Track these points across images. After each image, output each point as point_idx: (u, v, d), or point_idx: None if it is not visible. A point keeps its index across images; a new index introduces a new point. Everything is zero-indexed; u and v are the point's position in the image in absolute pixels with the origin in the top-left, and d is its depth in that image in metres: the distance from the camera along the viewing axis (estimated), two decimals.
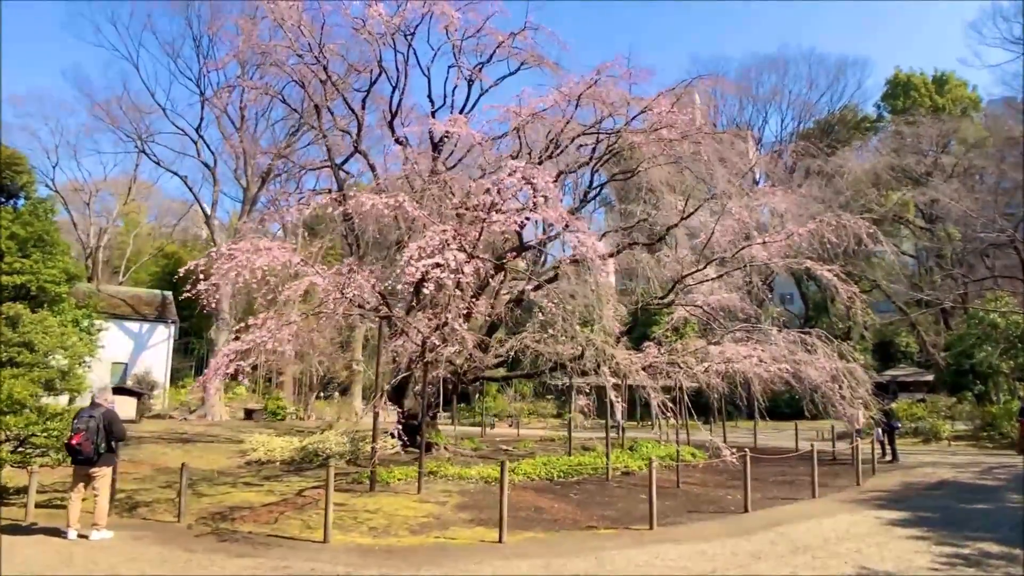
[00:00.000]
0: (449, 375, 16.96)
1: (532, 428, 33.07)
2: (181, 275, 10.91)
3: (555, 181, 19.01)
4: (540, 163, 15.63)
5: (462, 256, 8.91)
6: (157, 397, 33.28)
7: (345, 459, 16.69)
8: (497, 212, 10.03)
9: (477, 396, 41.52)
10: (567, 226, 10.35)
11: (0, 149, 28.44)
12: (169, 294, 37.62)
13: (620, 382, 13.40)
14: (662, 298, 18.44)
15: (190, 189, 37.50)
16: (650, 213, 20.03)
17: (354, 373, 35.67)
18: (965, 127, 38.77)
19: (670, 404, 13.00)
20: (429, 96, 18.03)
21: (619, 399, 12.35)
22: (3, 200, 28.92)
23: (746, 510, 11.23)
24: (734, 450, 12.81)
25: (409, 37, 16.94)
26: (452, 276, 8.75)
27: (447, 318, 11.03)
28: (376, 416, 12.82)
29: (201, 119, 35.90)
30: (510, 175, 9.58)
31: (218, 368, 10.12)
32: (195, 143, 35.65)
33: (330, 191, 17.12)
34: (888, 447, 19.34)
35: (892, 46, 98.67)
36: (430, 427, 20.83)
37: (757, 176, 42.86)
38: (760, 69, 53.37)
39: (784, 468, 16.44)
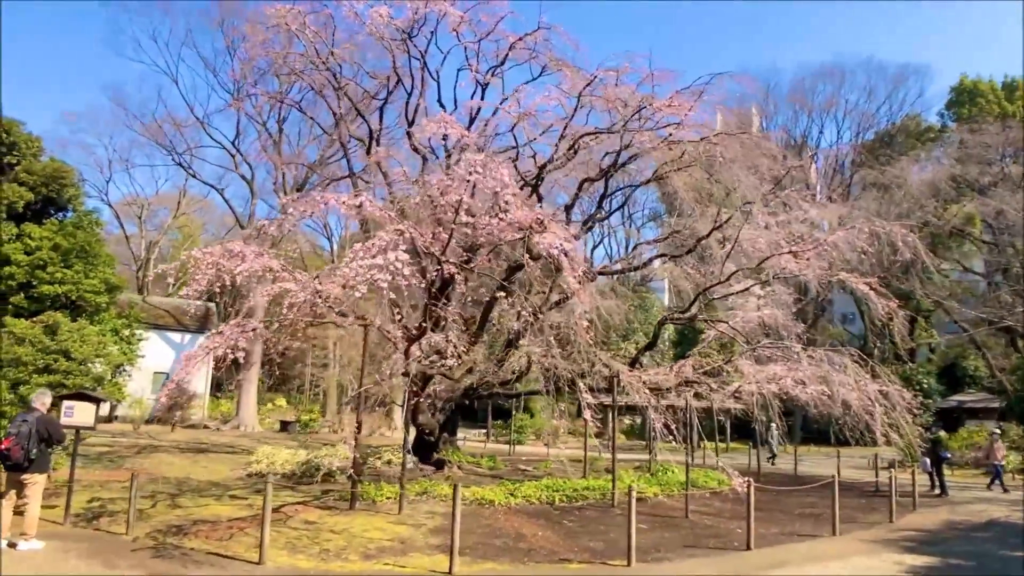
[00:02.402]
0: (451, 391, 16.23)
1: (569, 447, 31.90)
2: (152, 279, 10.58)
3: (579, 190, 18.34)
4: (544, 169, 14.87)
5: (405, 256, 8.22)
6: (196, 407, 33.69)
7: (346, 474, 16.13)
8: (468, 213, 9.35)
9: (515, 413, 40.64)
10: (543, 228, 9.50)
11: (43, 163, 29.36)
12: (212, 305, 38.24)
13: (607, 400, 12.43)
14: (683, 312, 17.31)
15: (227, 202, 38.31)
16: (687, 225, 18.98)
17: (392, 386, 35.31)
18: None
19: (672, 426, 11.98)
20: (439, 101, 17.57)
21: (593, 417, 11.39)
22: (51, 212, 29.97)
23: (748, 547, 10.09)
24: (744, 479, 11.66)
25: (416, 40, 16.47)
26: (388, 279, 8.04)
27: (425, 327, 10.33)
28: (359, 429, 12.24)
29: (237, 132, 36.59)
30: (471, 173, 8.84)
31: (179, 377, 9.71)
32: (232, 156, 36.29)
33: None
34: (937, 479, 17.61)
35: (957, 52, 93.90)
36: (447, 443, 20.17)
37: (817, 190, 40.91)
38: (815, 78, 51.00)
39: (815, 499, 15.10)
